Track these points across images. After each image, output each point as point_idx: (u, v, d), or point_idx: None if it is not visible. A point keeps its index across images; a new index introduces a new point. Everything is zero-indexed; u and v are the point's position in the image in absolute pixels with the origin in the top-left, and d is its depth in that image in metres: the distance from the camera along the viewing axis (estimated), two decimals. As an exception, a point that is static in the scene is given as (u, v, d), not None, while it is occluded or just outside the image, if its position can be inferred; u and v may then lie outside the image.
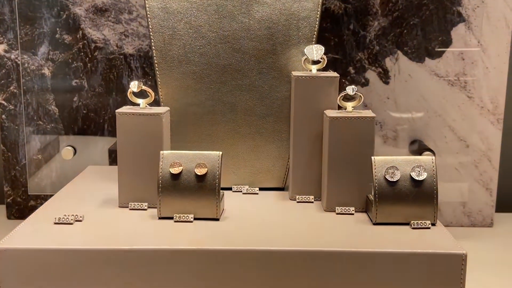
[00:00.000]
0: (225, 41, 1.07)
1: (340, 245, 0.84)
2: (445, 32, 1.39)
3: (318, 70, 1.05)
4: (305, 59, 1.04)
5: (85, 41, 1.38)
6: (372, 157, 0.94)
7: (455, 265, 0.81)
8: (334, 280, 0.82)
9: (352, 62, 1.41)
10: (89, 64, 1.39)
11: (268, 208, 1.01)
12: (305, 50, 1.03)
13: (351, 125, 0.97)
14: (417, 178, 0.92)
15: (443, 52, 1.40)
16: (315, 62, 1.05)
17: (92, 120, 1.41)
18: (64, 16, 1.37)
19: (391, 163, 0.93)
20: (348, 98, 1.00)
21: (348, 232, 0.90)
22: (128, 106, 1.02)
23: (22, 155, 1.42)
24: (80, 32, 1.38)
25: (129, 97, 1.01)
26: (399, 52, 1.40)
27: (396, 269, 0.82)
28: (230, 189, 1.10)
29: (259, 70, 1.08)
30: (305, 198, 1.04)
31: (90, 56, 1.39)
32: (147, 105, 1.01)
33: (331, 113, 0.99)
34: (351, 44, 1.40)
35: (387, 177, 0.92)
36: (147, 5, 1.08)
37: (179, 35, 1.07)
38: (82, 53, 1.38)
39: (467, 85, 1.41)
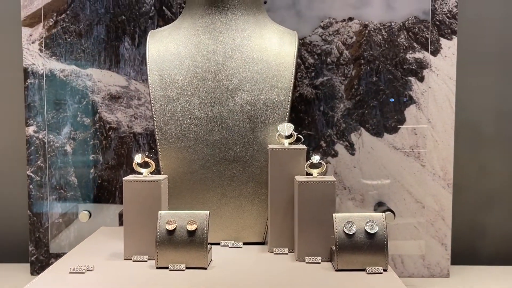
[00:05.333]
0: (214, 121, 1.16)
1: (307, 287, 0.90)
2: (399, 112, 1.49)
3: (290, 143, 1.13)
4: (279, 134, 1.13)
5: (101, 123, 1.48)
6: (334, 214, 1.00)
7: (402, 303, 0.87)
8: None
9: (323, 137, 1.49)
10: (104, 142, 1.48)
11: (249, 260, 1.07)
12: (278, 127, 1.12)
13: (316, 188, 1.04)
14: (370, 231, 0.98)
15: (399, 128, 1.49)
16: (288, 137, 1.13)
17: (105, 188, 1.49)
18: (84, 102, 1.47)
19: (349, 218, 1.00)
20: (313, 165, 1.08)
21: (315, 278, 0.95)
22: (133, 175, 1.10)
23: (46, 219, 1.48)
24: (97, 115, 1.47)
25: (134, 167, 1.09)
26: (362, 128, 1.49)
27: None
28: (218, 244, 1.16)
29: (242, 144, 1.16)
30: (281, 250, 1.10)
31: (105, 135, 1.48)
32: (149, 174, 1.09)
33: (300, 178, 1.07)
34: (322, 123, 1.49)
35: (345, 230, 0.98)
36: (151, 93, 1.18)
37: (176, 117, 1.17)
38: (99, 133, 1.48)
39: (420, 156, 1.49)
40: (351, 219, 0.99)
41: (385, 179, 1.49)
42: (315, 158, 1.06)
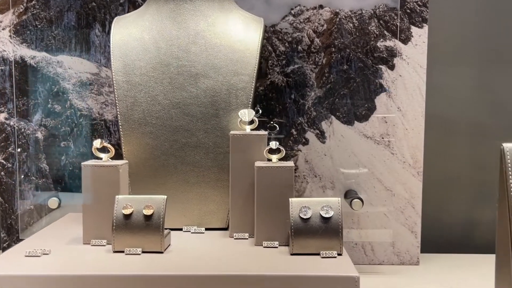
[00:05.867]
0: (177, 107, 1.16)
1: (258, 270, 0.89)
2: (370, 100, 1.48)
3: (252, 129, 1.13)
4: (240, 120, 1.12)
5: (72, 110, 1.47)
6: (290, 199, 1.00)
7: (350, 286, 0.86)
8: None
9: (294, 125, 1.49)
10: (75, 129, 1.47)
11: (207, 244, 1.06)
12: (239, 113, 1.12)
13: (274, 174, 1.04)
14: (325, 216, 0.98)
15: (369, 116, 1.48)
16: (250, 123, 1.13)
17: (77, 175, 1.48)
18: (55, 89, 1.46)
19: (305, 203, 0.99)
20: (274, 151, 1.07)
21: (268, 262, 0.95)
22: (92, 160, 1.10)
23: (17, 206, 1.48)
24: (68, 102, 1.47)
25: (93, 151, 1.08)
26: (332, 116, 1.48)
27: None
28: (181, 229, 1.16)
29: (205, 130, 1.16)
30: (241, 236, 1.10)
31: (76, 122, 1.47)
32: (109, 159, 1.09)
33: (259, 163, 1.06)
34: (293, 111, 1.49)
35: (301, 215, 0.98)
36: (114, 79, 1.17)
37: (139, 103, 1.16)
38: (70, 120, 1.47)
39: (390, 144, 1.48)
40: (307, 204, 0.99)
41: (363, 168, 1.48)
42: (273, 144, 1.05)
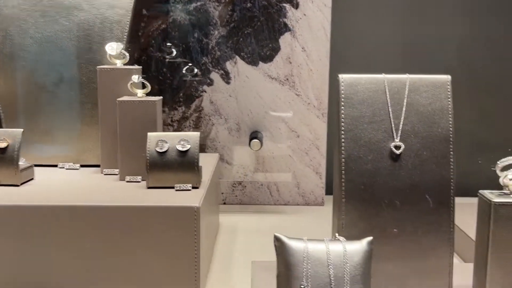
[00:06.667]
0: (49, 40, 1.12)
1: (102, 202, 0.88)
2: (274, 40, 1.44)
3: (124, 64, 1.09)
4: (110, 54, 1.08)
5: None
6: (148, 133, 0.98)
7: (189, 216, 0.85)
8: (110, 230, 0.86)
9: (198, 65, 1.45)
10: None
11: (71, 179, 1.05)
12: (106, 46, 1.08)
13: (137, 108, 1.01)
14: (181, 149, 0.96)
15: (273, 57, 1.45)
16: (117, 57, 1.09)
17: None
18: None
19: (162, 137, 0.97)
20: (137, 85, 1.04)
21: (122, 194, 0.94)
22: None
23: None
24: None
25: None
26: (237, 57, 1.45)
27: (149, 220, 0.86)
28: (56, 166, 1.14)
29: (78, 64, 1.12)
30: (111, 171, 1.08)
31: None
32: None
33: (122, 98, 1.03)
34: (196, 50, 1.45)
35: (157, 149, 0.96)
36: (-16, 11, 1.12)
37: (10, 36, 1.12)
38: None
39: (295, 85, 1.46)
40: (165, 138, 0.97)
41: (261, 108, 1.46)
42: (136, 78, 1.02)
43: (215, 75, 1.46)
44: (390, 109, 0.81)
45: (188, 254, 0.85)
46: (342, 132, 0.81)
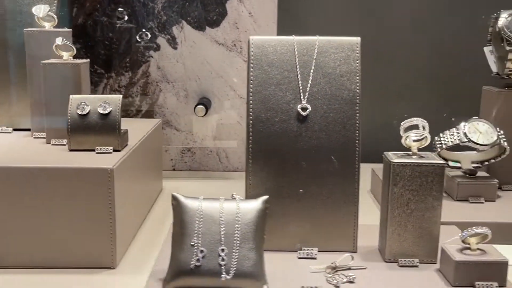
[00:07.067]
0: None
1: (21, 163, 0.88)
2: (220, 5, 1.42)
3: (54, 27, 1.08)
4: (37, 17, 1.07)
5: None
6: (70, 96, 0.97)
7: (103, 178, 0.85)
8: (26, 192, 0.85)
9: (145, 30, 1.43)
10: None
11: (3, 142, 1.04)
12: (33, 9, 1.06)
13: (61, 71, 1.00)
14: (102, 112, 0.95)
15: (220, 21, 1.43)
16: (50, 21, 1.07)
17: None
18: None
19: (84, 100, 0.96)
20: (62, 48, 1.03)
21: (43, 157, 0.94)
22: None
23: None
24: None
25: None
26: (183, 21, 1.43)
27: (65, 182, 0.85)
28: (-4, 130, 1.13)
29: (12, 28, 1.10)
30: (40, 135, 1.06)
31: None
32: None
33: (46, 61, 1.01)
34: (142, 14, 1.43)
35: (78, 111, 0.96)
36: None
37: None
38: None
39: (242, 50, 1.45)
40: (86, 101, 0.96)
41: (208, 73, 1.45)
42: (60, 40, 1.00)
43: (161, 40, 1.44)
44: (298, 71, 0.81)
45: (103, 216, 0.85)
46: (251, 94, 0.81)
